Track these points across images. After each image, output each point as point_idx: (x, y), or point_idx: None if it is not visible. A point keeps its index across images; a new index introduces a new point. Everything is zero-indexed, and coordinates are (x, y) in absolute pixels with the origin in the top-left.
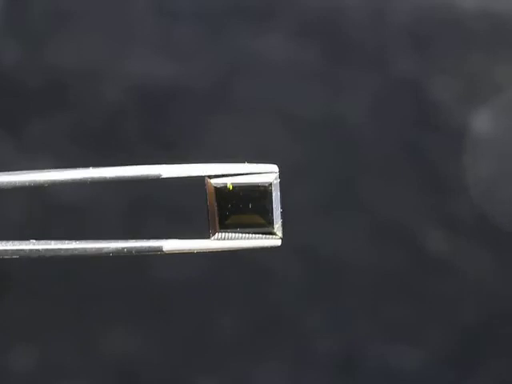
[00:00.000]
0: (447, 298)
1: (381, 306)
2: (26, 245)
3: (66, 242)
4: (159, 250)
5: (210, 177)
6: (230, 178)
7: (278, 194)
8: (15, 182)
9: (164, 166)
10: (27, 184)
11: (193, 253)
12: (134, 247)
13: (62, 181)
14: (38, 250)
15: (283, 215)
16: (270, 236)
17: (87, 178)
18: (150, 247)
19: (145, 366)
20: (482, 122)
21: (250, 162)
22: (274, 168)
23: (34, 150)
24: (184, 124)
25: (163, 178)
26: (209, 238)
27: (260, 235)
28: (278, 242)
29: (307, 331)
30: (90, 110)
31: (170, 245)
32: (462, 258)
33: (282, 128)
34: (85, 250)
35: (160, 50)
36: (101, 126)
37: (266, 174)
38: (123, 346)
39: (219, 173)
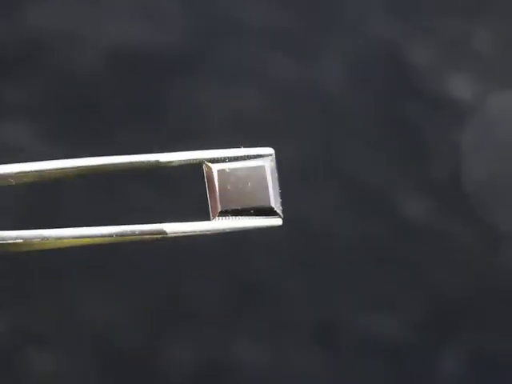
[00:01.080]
0: (426, 266)
1: (359, 274)
2: (30, 232)
3: (69, 228)
4: (162, 232)
5: (208, 161)
6: (227, 162)
7: (276, 175)
8: (15, 172)
9: (161, 153)
10: (23, 175)
11: (195, 236)
12: (137, 231)
13: (58, 169)
14: (42, 236)
15: None
16: (271, 216)
17: (83, 167)
18: (152, 230)
19: (119, 334)
20: (461, 87)
21: (227, 127)
22: (270, 151)
23: (7, 114)
24: (161, 89)
25: (160, 166)
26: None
27: (261, 216)
28: (279, 222)
29: (285, 300)
30: (64, 73)
31: (173, 227)
32: (441, 225)
33: (260, 94)
34: (86, 235)
35: (137, 13)
36: (76, 89)
37: (262, 156)
38: (97, 314)
39: (216, 157)
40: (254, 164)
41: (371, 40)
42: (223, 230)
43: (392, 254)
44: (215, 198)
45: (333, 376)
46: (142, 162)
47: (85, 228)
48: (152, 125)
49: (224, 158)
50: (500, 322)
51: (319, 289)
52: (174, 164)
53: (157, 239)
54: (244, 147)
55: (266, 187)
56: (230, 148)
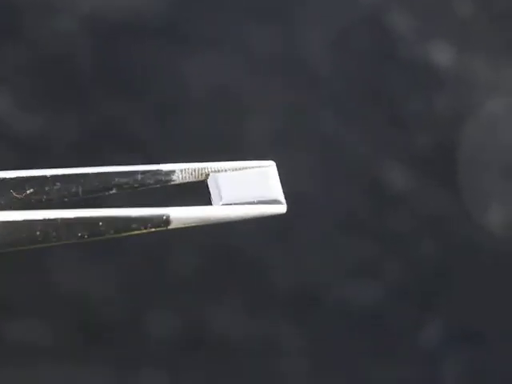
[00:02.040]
0: (406, 233)
1: (340, 241)
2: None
3: (75, 210)
4: (165, 215)
5: (211, 172)
6: (230, 173)
7: (278, 181)
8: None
9: (164, 164)
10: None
11: (197, 226)
12: (140, 215)
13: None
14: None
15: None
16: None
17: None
18: (156, 215)
19: (100, 302)
20: (443, 54)
21: (208, 96)
22: (271, 163)
23: None
24: (142, 58)
25: (165, 178)
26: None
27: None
28: (283, 209)
29: (266, 267)
30: (43, 41)
31: (176, 212)
32: (421, 193)
33: (242, 63)
34: (91, 216)
35: None
36: (56, 58)
37: (264, 167)
38: (78, 281)
39: (219, 168)
40: (256, 171)
41: (353, 6)
42: (227, 216)
43: (372, 222)
44: (219, 197)
45: (314, 344)
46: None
47: (89, 210)
48: (132, 93)
49: (227, 168)
50: (480, 288)
51: (299, 257)
52: (176, 179)
53: (160, 227)
54: (226, 119)
55: (269, 187)
56: (232, 160)
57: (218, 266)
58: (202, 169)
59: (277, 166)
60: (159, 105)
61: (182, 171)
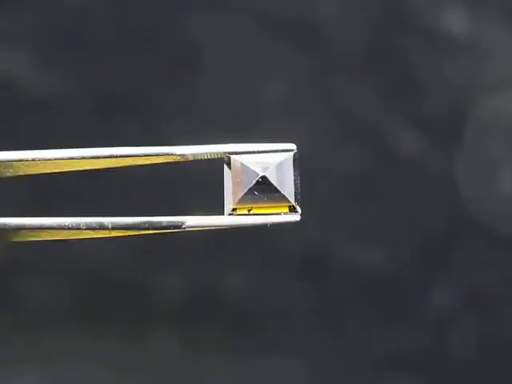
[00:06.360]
0: (416, 198)
1: (349, 204)
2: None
3: (90, 216)
4: (181, 225)
5: (231, 154)
6: (249, 156)
7: (295, 170)
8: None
9: (183, 146)
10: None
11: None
12: (155, 222)
13: (70, 158)
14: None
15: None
16: (288, 211)
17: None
18: (170, 222)
19: (112, 264)
20: (455, 20)
21: (220, 58)
22: (292, 146)
23: (2, 45)
24: (158, 20)
25: (183, 157)
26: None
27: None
28: (297, 218)
29: (272, 232)
30: (59, 2)
31: (192, 221)
32: (430, 159)
33: (255, 26)
34: (104, 223)
35: None
36: (70, 19)
37: (284, 151)
38: (90, 242)
39: (239, 151)
40: (275, 159)
41: None
42: (239, 225)
43: (382, 186)
44: (233, 192)
45: (322, 306)
46: (164, 153)
47: (105, 217)
48: (145, 54)
49: (246, 151)
50: (488, 252)
51: (307, 222)
52: (193, 157)
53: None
54: (237, 81)
55: (287, 184)
56: (252, 142)
57: (226, 228)
58: (218, 152)
59: (284, 129)
60: (173, 65)
61: (199, 155)
